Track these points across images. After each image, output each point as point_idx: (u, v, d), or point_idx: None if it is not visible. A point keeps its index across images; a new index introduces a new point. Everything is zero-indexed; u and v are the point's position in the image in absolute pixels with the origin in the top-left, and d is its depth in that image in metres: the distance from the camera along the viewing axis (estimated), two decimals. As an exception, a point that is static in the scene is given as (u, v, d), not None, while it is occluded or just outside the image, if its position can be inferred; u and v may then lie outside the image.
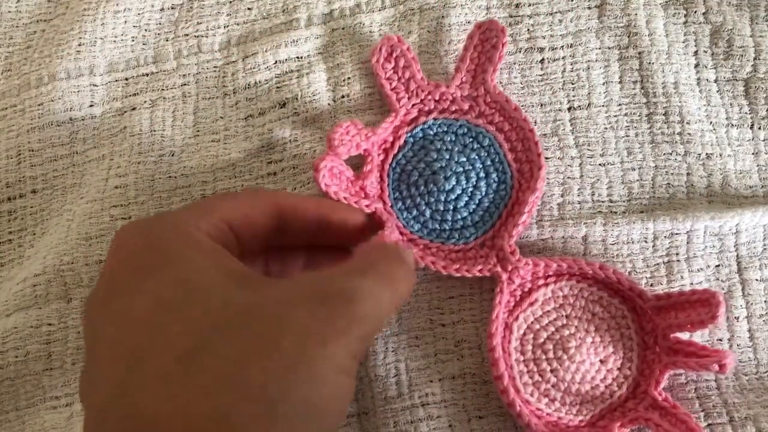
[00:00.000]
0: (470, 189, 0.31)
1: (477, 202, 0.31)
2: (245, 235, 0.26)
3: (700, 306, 0.27)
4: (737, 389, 0.29)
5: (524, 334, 0.30)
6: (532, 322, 0.30)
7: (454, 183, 0.31)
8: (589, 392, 0.29)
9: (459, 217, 0.31)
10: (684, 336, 0.29)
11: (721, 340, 0.30)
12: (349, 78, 0.34)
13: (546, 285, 0.30)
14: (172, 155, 0.34)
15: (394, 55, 0.32)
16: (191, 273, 0.22)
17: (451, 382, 0.30)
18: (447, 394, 0.30)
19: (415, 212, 0.31)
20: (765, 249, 0.30)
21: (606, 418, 0.29)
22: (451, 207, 0.31)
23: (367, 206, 0.30)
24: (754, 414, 0.28)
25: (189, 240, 0.23)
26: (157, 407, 0.20)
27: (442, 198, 0.31)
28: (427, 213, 0.31)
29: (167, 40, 0.36)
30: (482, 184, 0.31)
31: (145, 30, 0.36)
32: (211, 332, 0.21)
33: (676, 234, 0.31)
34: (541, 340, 0.30)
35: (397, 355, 0.30)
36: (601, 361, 0.29)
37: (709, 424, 0.28)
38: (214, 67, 0.35)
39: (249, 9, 0.36)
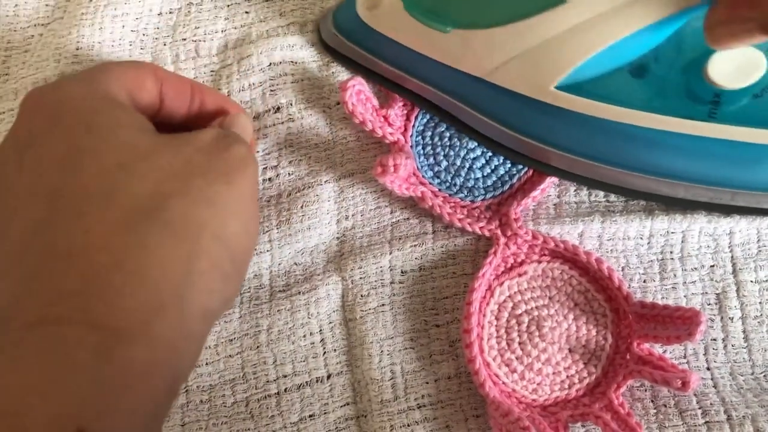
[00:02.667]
0: (489, 153, 0.32)
1: (492, 167, 0.32)
2: (138, 100, 0.27)
3: (681, 322, 0.28)
4: (734, 388, 0.29)
5: (504, 300, 0.30)
6: (515, 292, 0.30)
7: (476, 143, 0.32)
8: (549, 376, 0.29)
9: (472, 176, 0.32)
10: (657, 349, 0.29)
11: (715, 339, 0.30)
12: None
13: (539, 262, 0.31)
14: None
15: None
16: (99, 118, 0.23)
17: (446, 383, 0.30)
18: (443, 395, 0.30)
19: (431, 160, 0.32)
20: (760, 251, 0.30)
21: (558, 405, 0.29)
22: (467, 165, 0.32)
23: (390, 134, 0.31)
24: (752, 413, 0.28)
25: (96, 93, 0.25)
26: (74, 240, 0.20)
27: (461, 154, 0.32)
28: (443, 164, 0.32)
29: (165, 45, 0.36)
30: None
31: (143, 34, 0.36)
32: (122, 172, 0.22)
33: (672, 233, 0.31)
34: (519, 311, 0.30)
35: (392, 358, 0.30)
36: (570, 350, 0.29)
37: (706, 422, 0.28)
38: (211, 71, 0.35)
39: (246, 12, 0.36)
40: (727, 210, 0.30)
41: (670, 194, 0.29)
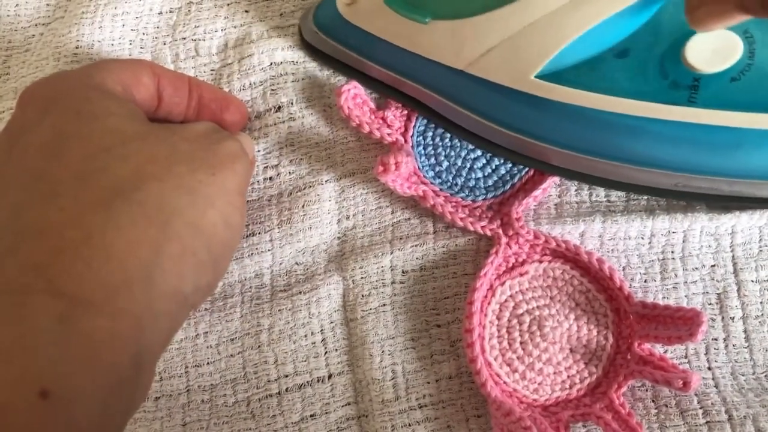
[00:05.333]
0: (489, 154, 0.32)
1: (493, 167, 0.32)
2: (134, 94, 0.27)
3: (683, 323, 0.27)
4: (735, 388, 0.29)
5: (505, 300, 0.30)
6: (516, 292, 0.30)
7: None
8: (550, 376, 0.29)
9: (473, 176, 0.32)
10: (658, 349, 0.29)
11: (716, 339, 0.30)
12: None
13: (540, 261, 0.31)
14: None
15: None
16: (90, 106, 0.24)
17: (447, 383, 0.30)
18: (444, 395, 0.30)
19: (433, 160, 0.32)
20: (761, 250, 0.30)
21: (559, 405, 0.29)
22: (468, 165, 0.32)
23: (389, 134, 0.31)
24: (753, 413, 0.28)
25: (89, 85, 0.25)
26: (48, 219, 0.21)
27: (462, 154, 0.32)
28: (444, 164, 0.32)
29: (165, 44, 0.36)
30: None
31: (143, 33, 0.36)
32: (106, 154, 0.22)
33: (673, 232, 0.31)
34: (520, 311, 0.30)
35: (393, 358, 0.30)
36: (571, 350, 0.29)
37: (707, 422, 0.28)
38: (211, 70, 0.35)
39: (246, 11, 0.36)
40: (705, 199, 0.29)
41: (651, 184, 0.29)
